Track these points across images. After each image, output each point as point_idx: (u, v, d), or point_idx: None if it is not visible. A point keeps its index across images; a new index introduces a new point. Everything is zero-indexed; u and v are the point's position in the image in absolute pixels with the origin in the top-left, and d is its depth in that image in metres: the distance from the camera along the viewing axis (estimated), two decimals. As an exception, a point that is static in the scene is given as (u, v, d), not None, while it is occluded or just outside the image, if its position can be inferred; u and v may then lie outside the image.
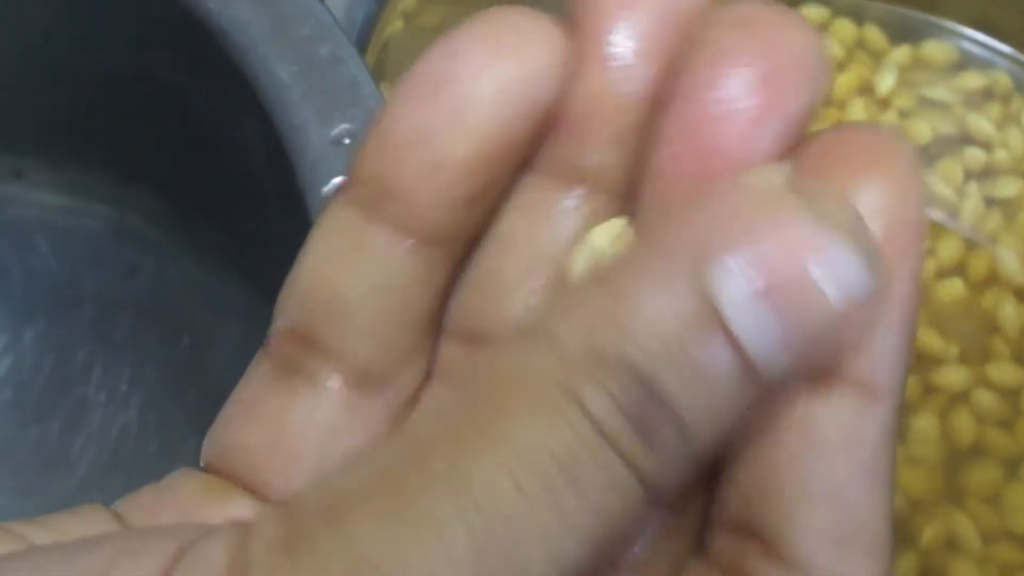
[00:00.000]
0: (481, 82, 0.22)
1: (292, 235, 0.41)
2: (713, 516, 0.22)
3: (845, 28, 0.55)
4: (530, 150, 0.23)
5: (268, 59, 0.40)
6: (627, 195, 0.23)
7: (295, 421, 0.23)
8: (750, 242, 0.19)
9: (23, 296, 0.51)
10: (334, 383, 0.23)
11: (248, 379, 0.24)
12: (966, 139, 0.53)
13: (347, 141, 0.39)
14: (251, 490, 0.24)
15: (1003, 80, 0.55)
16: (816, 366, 0.21)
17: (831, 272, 0.19)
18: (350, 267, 0.23)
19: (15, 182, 0.52)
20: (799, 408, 0.21)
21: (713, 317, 0.19)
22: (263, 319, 0.49)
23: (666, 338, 0.19)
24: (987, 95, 0.54)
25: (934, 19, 0.56)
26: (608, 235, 0.23)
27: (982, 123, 0.53)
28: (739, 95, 0.21)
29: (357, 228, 0.23)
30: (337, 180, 0.38)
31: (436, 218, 0.22)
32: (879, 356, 0.21)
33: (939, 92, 0.54)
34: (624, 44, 0.22)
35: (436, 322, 0.24)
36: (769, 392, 0.20)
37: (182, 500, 0.24)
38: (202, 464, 0.25)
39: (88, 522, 0.24)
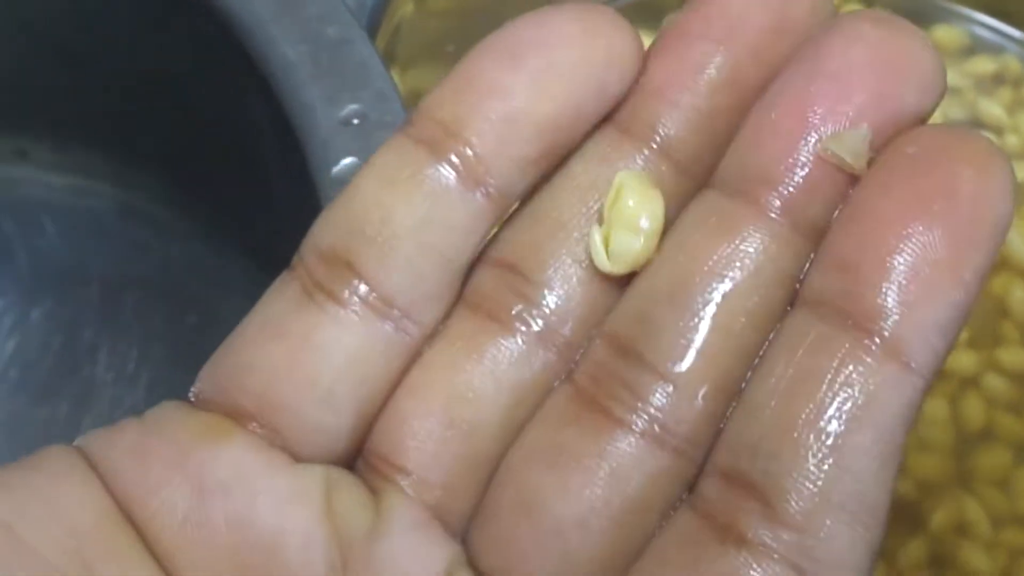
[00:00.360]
0: (570, 51, 0.23)
1: (299, 215, 0.41)
2: (711, 462, 0.22)
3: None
4: (594, 129, 0.24)
5: (275, 39, 0.40)
6: (690, 172, 0.24)
7: (322, 340, 0.23)
8: None
9: (29, 276, 0.51)
10: (364, 308, 0.23)
11: (270, 301, 0.24)
12: (977, 124, 0.53)
13: (356, 122, 0.39)
14: (255, 420, 0.23)
15: (1014, 65, 0.54)
16: None
17: None
18: (405, 196, 0.23)
19: (20, 163, 0.52)
20: (826, 361, 0.21)
21: None
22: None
23: None
24: (998, 80, 0.54)
25: (945, 4, 0.56)
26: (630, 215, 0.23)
27: (993, 108, 0.53)
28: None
29: (420, 161, 0.23)
30: (347, 160, 0.38)
31: (499, 169, 0.23)
32: (923, 328, 0.21)
33: (950, 77, 0.54)
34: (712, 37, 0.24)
35: (487, 267, 0.24)
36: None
37: (176, 441, 0.23)
38: (193, 397, 0.25)
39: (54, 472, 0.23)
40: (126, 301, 0.51)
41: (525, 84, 0.23)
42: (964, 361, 0.48)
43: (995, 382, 0.47)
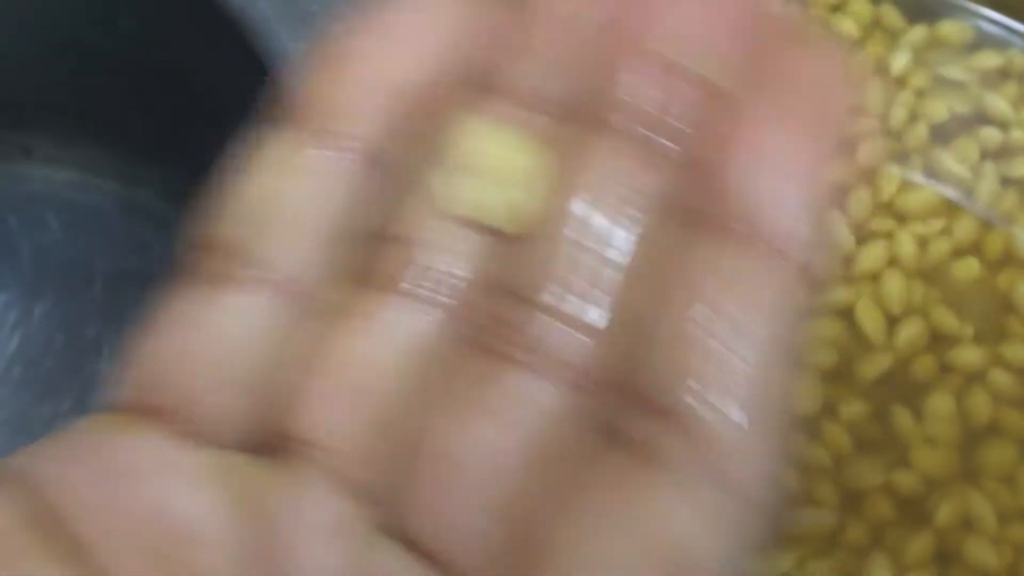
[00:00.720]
0: (423, 11, 0.24)
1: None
2: (619, 393, 0.23)
3: (862, 7, 0.55)
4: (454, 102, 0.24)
5: (279, 35, 0.41)
6: (568, 119, 0.24)
7: (219, 326, 0.23)
8: None
9: (32, 273, 0.52)
10: (257, 289, 0.23)
11: (173, 298, 0.24)
12: (982, 118, 0.53)
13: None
14: (171, 413, 0.23)
15: (1019, 59, 0.54)
16: None
17: None
18: (295, 181, 0.24)
19: (24, 159, 0.52)
20: (697, 267, 0.22)
21: None
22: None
23: None
24: (1003, 74, 0.54)
25: (951, -2, 0.56)
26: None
27: (998, 102, 0.53)
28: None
29: (300, 145, 0.24)
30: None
31: (371, 137, 0.24)
32: (784, 214, 0.22)
33: (955, 71, 0.54)
34: None
35: (371, 239, 0.25)
36: None
37: (90, 442, 0.23)
38: (112, 402, 0.24)
39: None
40: (129, 297, 0.51)
41: (383, 50, 0.23)
42: (969, 356, 0.48)
43: (1001, 377, 0.47)
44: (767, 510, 0.21)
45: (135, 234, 0.52)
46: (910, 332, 0.47)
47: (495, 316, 0.23)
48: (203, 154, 0.48)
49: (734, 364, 0.21)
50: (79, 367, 0.50)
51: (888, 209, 0.49)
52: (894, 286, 0.48)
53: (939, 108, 0.53)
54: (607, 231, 0.23)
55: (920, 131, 0.51)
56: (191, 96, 0.47)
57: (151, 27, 0.46)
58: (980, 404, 0.47)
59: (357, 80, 0.24)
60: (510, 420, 0.23)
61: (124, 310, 0.50)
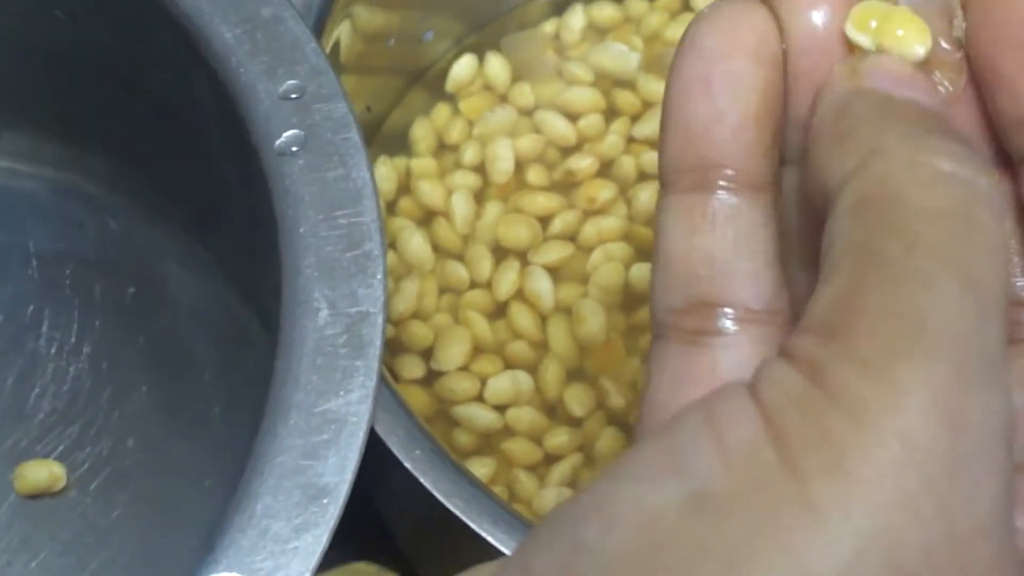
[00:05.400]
0: (738, 55, 0.27)
1: (239, 186, 0.44)
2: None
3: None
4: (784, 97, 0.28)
5: (213, 21, 0.43)
6: None
7: (724, 367, 0.27)
8: None
9: (-31, 256, 0.53)
10: (740, 324, 0.27)
11: (657, 368, 0.28)
12: None
13: (295, 96, 0.41)
14: None
15: None
16: None
17: None
18: (711, 233, 0.27)
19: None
20: None
21: None
22: (206, 266, 0.52)
23: None
24: None
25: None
26: None
27: None
28: None
29: (699, 204, 0.27)
30: (290, 132, 0.41)
31: (755, 168, 0.27)
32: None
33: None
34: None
35: (782, 258, 0.28)
36: None
37: None
38: None
39: None
40: (65, 276, 0.53)
41: (727, 99, 0.27)
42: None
43: None
44: None
45: (68, 215, 0.54)
46: None
47: None
48: (136, 138, 0.51)
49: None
50: (20, 345, 0.52)
51: None
52: None
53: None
54: None
55: None
56: (126, 83, 0.49)
57: (85, 14, 0.48)
58: None
59: (707, 133, 0.27)
60: None
61: (60, 288, 0.53)
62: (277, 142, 0.41)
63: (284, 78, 0.42)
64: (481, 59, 0.58)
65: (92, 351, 0.52)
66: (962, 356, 0.22)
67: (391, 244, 0.54)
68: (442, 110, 0.58)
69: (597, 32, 0.59)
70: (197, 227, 0.53)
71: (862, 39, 0.27)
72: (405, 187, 0.56)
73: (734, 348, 0.27)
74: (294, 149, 0.40)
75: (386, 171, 0.56)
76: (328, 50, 0.49)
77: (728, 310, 0.27)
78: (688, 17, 0.57)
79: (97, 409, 0.51)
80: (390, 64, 0.57)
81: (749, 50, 0.27)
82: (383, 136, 0.57)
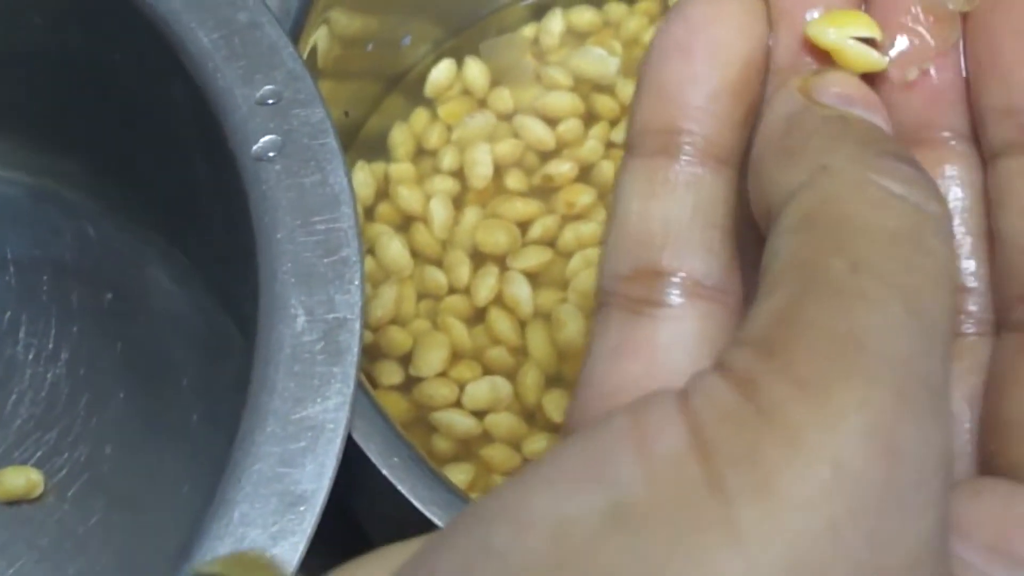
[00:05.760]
0: (722, 25, 0.27)
1: (216, 192, 0.44)
2: (1004, 302, 0.27)
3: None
4: (766, 74, 0.28)
5: (190, 27, 0.43)
6: None
7: (665, 339, 0.26)
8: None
9: (-53, 262, 0.53)
10: (685, 297, 0.26)
11: (598, 336, 0.27)
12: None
13: (271, 102, 0.41)
14: None
15: None
16: None
17: None
18: (669, 199, 0.27)
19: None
20: None
21: None
22: (184, 272, 0.52)
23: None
24: None
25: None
26: None
27: None
28: None
29: (661, 169, 0.27)
30: (267, 137, 0.40)
31: (723, 140, 0.27)
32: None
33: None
34: None
35: (741, 234, 0.27)
36: None
37: None
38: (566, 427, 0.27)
39: None
40: (42, 282, 0.53)
41: (705, 65, 0.27)
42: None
43: None
44: None
45: (45, 221, 0.54)
46: None
47: None
48: (113, 143, 0.51)
49: None
50: (-2, 350, 0.52)
51: None
52: None
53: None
54: None
55: None
56: (102, 89, 0.49)
57: (62, 20, 0.47)
58: None
59: (689, 97, 0.27)
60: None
61: (37, 294, 0.52)
62: (254, 147, 0.41)
63: (261, 83, 0.42)
64: (460, 64, 0.58)
65: (70, 357, 0.52)
66: (903, 382, 0.21)
67: (369, 250, 0.54)
68: (420, 115, 0.57)
69: (576, 37, 0.59)
70: (175, 233, 0.52)
71: (824, 44, 0.27)
72: (383, 192, 0.56)
73: (677, 321, 0.26)
74: (271, 154, 0.40)
75: (364, 176, 0.56)
76: (305, 55, 0.49)
77: (676, 280, 0.26)
78: (667, 22, 0.57)
79: (75, 415, 0.51)
80: (368, 69, 0.57)
81: (734, 21, 0.27)
82: (361, 141, 0.57)
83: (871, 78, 0.27)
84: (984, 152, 0.27)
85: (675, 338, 0.26)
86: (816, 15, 0.27)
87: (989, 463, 0.26)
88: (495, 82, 0.58)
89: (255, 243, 0.40)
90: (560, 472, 0.22)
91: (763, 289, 0.23)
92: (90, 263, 0.53)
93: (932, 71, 0.27)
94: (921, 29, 0.27)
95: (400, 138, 0.57)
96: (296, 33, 0.49)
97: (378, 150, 0.57)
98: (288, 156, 0.40)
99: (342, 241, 0.39)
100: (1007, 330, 0.26)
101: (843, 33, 0.27)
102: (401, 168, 0.56)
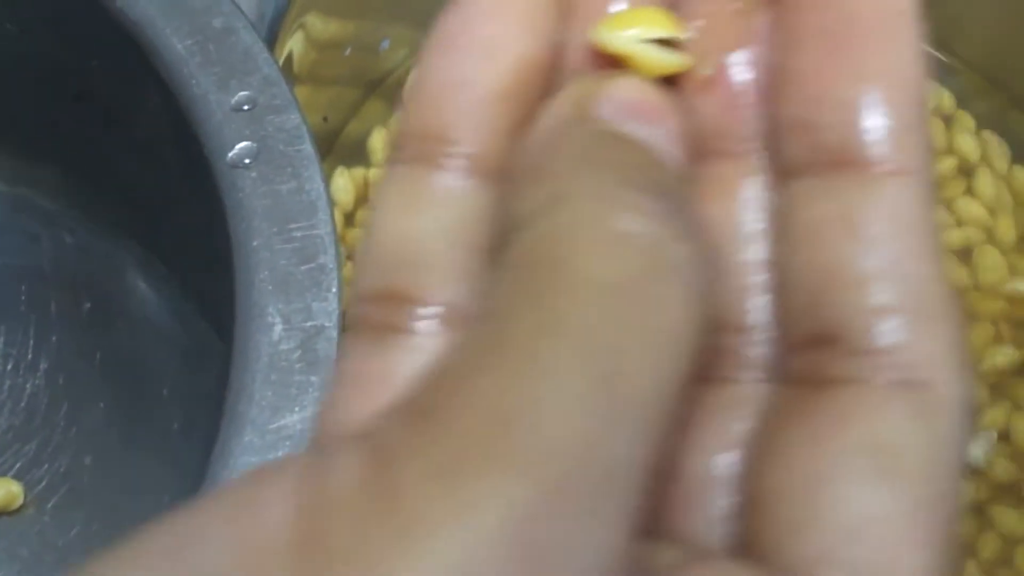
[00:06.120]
0: (500, 20, 0.24)
1: (193, 199, 0.43)
2: (782, 343, 0.23)
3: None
4: (548, 81, 0.24)
5: (164, 33, 0.42)
6: None
7: (403, 373, 0.23)
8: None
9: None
10: (432, 327, 0.23)
11: (342, 361, 0.24)
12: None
13: (246, 108, 0.41)
14: None
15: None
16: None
17: None
18: (424, 214, 0.24)
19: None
20: (836, 204, 0.22)
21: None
22: (163, 280, 0.51)
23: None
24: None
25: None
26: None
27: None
28: None
29: (420, 179, 0.24)
30: (242, 144, 0.40)
31: (490, 152, 0.23)
32: (895, 137, 0.22)
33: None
34: None
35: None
36: None
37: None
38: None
39: None
40: (20, 291, 0.53)
41: (476, 66, 0.23)
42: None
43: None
44: (964, 403, 0.22)
45: (22, 230, 0.54)
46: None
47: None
48: (89, 151, 0.50)
49: (898, 285, 0.21)
50: (-25, 358, 0.52)
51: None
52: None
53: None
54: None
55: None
56: (76, 94, 0.48)
57: (38, 28, 0.47)
58: None
59: (458, 100, 0.24)
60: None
61: (15, 304, 0.52)
62: (230, 154, 0.40)
63: (236, 89, 0.41)
64: (439, 67, 0.58)
65: (49, 367, 0.51)
66: (561, 473, 0.18)
67: (349, 255, 0.53)
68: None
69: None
70: (153, 241, 0.52)
71: (611, 50, 0.24)
72: (363, 198, 0.55)
73: (424, 354, 0.23)
74: (247, 161, 0.40)
75: (344, 182, 0.55)
76: (282, 61, 0.49)
77: (427, 307, 0.23)
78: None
79: (54, 426, 0.50)
80: (346, 74, 0.57)
81: (515, 16, 0.23)
82: (341, 146, 0.57)
83: (677, 77, 0.24)
84: (777, 170, 0.23)
85: (420, 372, 0.21)
86: (616, 7, 0.24)
87: (749, 540, 0.22)
88: (474, 85, 0.58)
89: (231, 250, 0.39)
90: (142, 553, 0.19)
91: (457, 338, 0.20)
92: (68, 271, 0.53)
93: (731, 69, 0.24)
94: (722, 16, 0.24)
95: (380, 143, 0.56)
96: (271, 38, 0.49)
97: (358, 155, 0.57)
98: (264, 163, 0.40)
99: (319, 248, 0.39)
100: (782, 381, 0.23)
101: (633, 36, 0.23)
102: (381, 173, 0.56)
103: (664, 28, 0.24)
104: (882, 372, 0.21)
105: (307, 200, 0.39)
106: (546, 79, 0.24)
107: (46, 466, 0.50)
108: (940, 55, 0.59)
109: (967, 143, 0.57)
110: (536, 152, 0.22)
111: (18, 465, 0.50)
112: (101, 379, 0.51)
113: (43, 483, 0.49)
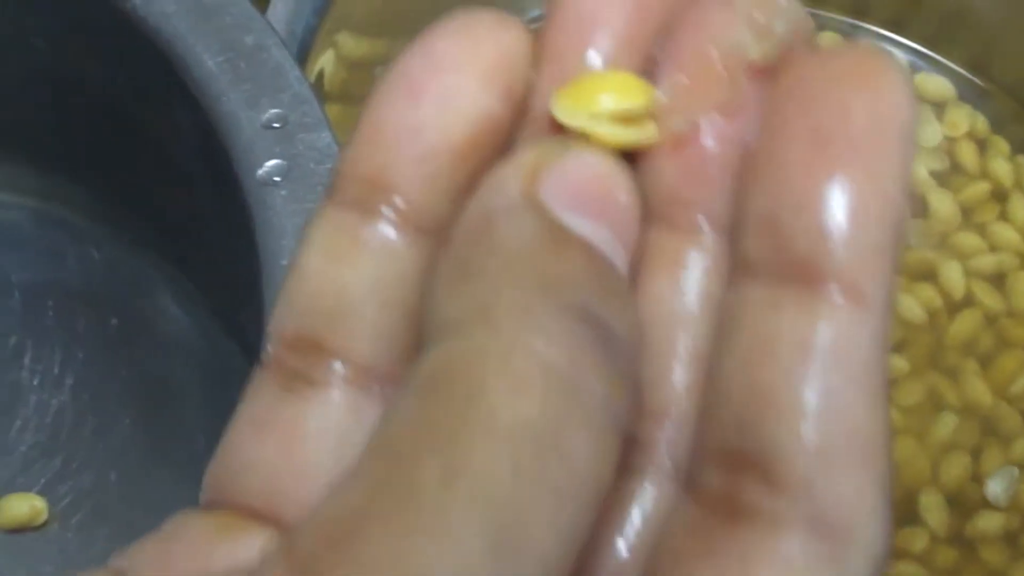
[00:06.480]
0: (463, 70, 0.22)
1: (222, 217, 0.43)
2: (701, 450, 0.21)
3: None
4: (508, 137, 0.23)
5: (195, 49, 0.42)
6: None
7: (309, 429, 0.22)
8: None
9: (-49, 287, 0.53)
10: (343, 385, 0.22)
11: (251, 398, 0.23)
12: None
13: (276, 125, 0.41)
14: (264, 516, 0.22)
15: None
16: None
17: None
18: (351, 264, 0.22)
19: (-65, 176, 0.54)
20: (787, 325, 0.20)
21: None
22: (190, 298, 0.51)
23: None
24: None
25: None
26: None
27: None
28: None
29: (354, 226, 0.23)
30: (272, 162, 0.40)
31: (432, 208, 0.22)
32: (863, 259, 0.20)
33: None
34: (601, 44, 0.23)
35: None
36: None
37: (192, 546, 0.22)
38: (202, 502, 0.24)
39: None
40: (47, 307, 0.53)
41: (431, 116, 0.22)
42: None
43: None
44: (876, 550, 0.20)
45: (50, 246, 0.53)
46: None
47: None
48: (118, 167, 0.50)
49: (827, 423, 0.20)
50: (2, 376, 0.51)
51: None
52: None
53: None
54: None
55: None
56: (107, 112, 0.48)
57: (64, 43, 0.47)
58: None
59: (405, 149, 0.22)
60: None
61: (43, 319, 0.52)
62: (259, 172, 0.40)
63: (267, 107, 0.41)
64: (469, 87, 0.58)
65: (75, 383, 0.51)
66: None
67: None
68: (429, 138, 0.57)
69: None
70: (181, 258, 0.52)
71: (570, 127, 0.22)
72: (392, 216, 0.55)
73: (330, 410, 0.22)
74: (276, 179, 0.40)
75: (373, 200, 0.55)
76: (313, 79, 0.49)
77: (338, 362, 0.22)
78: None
79: (79, 442, 0.50)
80: (377, 92, 0.57)
81: (483, 65, 0.22)
82: (370, 165, 0.57)
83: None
84: (733, 260, 0.22)
85: (323, 430, 0.22)
86: (594, 61, 0.23)
87: None
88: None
89: (260, 269, 0.39)
90: None
91: (353, 467, 0.19)
92: (96, 288, 0.53)
93: (704, 133, 0.22)
94: (704, 74, 0.22)
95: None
96: (303, 56, 0.49)
97: (387, 174, 0.56)
98: (294, 181, 0.40)
99: (347, 268, 0.39)
100: (689, 494, 0.21)
101: (597, 111, 0.22)
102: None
103: (630, 98, 0.22)
104: (795, 508, 0.20)
105: (336, 219, 0.39)
106: (504, 138, 0.23)
107: (70, 482, 0.49)
108: (975, 79, 0.59)
109: (1001, 168, 0.57)
110: (470, 239, 0.20)
111: (43, 481, 0.49)
112: (127, 396, 0.51)
113: (67, 499, 0.49)
